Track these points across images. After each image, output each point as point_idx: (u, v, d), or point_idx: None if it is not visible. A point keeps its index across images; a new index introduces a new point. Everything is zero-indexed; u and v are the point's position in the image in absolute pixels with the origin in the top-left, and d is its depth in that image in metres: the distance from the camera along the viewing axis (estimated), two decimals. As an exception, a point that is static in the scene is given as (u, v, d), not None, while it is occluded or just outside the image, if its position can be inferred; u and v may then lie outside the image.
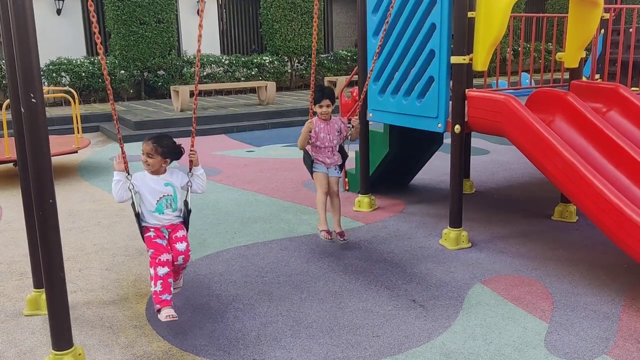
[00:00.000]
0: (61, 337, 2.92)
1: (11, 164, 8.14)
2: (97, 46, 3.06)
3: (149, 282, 3.46)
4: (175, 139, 3.62)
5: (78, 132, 8.33)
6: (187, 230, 3.62)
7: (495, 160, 8.26)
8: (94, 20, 2.91)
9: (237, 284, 4.11)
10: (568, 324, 3.41)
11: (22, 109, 2.72)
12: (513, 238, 4.95)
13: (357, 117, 4.85)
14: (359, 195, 5.98)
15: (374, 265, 4.41)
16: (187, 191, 3.62)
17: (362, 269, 4.35)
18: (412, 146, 6.05)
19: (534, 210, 5.77)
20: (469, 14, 4.37)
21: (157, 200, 3.48)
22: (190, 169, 3.64)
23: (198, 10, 17.18)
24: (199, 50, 3.56)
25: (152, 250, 3.41)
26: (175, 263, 3.45)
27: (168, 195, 3.51)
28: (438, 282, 4.05)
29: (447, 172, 5.01)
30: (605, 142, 4.23)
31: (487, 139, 9.64)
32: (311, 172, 4.74)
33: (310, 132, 4.59)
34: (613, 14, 6.14)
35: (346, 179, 6.68)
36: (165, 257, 3.38)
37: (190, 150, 3.62)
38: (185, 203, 3.60)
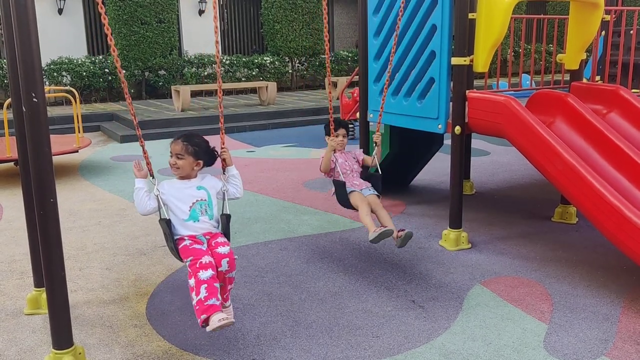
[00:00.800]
0: (61, 336, 2.92)
1: (12, 163, 8.15)
2: (109, 44, 2.89)
3: (190, 295, 2.90)
4: None
5: (79, 132, 8.34)
6: (229, 238, 3.19)
7: (495, 162, 8.27)
8: (105, 22, 2.89)
9: (237, 284, 4.11)
10: (567, 325, 3.41)
11: (23, 108, 2.72)
12: (513, 239, 4.95)
13: (379, 132, 4.69)
14: (359, 195, 5.97)
15: (374, 266, 4.41)
16: (224, 199, 3.23)
17: (362, 269, 4.36)
18: (413, 147, 6.06)
19: (534, 211, 5.77)
20: (470, 15, 4.38)
21: (190, 207, 3.07)
22: (224, 170, 3.31)
23: (200, 11, 17.21)
24: (217, 52, 3.37)
25: (190, 257, 2.94)
26: (219, 269, 2.98)
27: (202, 200, 3.11)
28: (438, 283, 4.06)
29: (447, 173, 5.01)
30: (605, 144, 4.23)
31: (487, 140, 9.64)
32: (347, 201, 4.36)
33: (333, 153, 4.45)
34: (614, 15, 6.14)
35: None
36: (206, 259, 2.92)
37: (222, 148, 3.29)
38: (226, 216, 3.19)
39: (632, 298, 3.76)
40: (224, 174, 3.32)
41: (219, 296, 2.91)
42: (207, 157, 3.20)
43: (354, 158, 4.63)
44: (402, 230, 4.16)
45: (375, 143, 4.59)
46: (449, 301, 3.77)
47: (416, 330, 3.40)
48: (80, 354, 2.99)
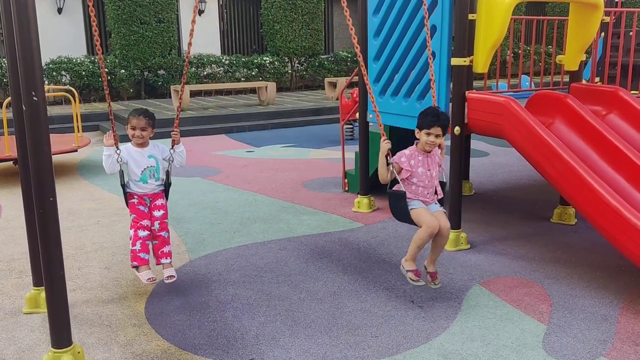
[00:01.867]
0: (60, 335, 2.92)
1: (11, 163, 8.14)
2: (97, 47, 3.27)
3: (128, 241, 3.83)
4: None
5: (78, 131, 8.33)
6: (167, 198, 3.99)
7: (494, 162, 8.27)
8: (94, 24, 2.93)
9: (236, 284, 4.11)
10: (566, 326, 3.41)
11: (23, 107, 2.72)
12: (512, 240, 4.96)
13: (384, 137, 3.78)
14: (359, 195, 5.99)
15: (373, 266, 4.41)
16: (169, 164, 3.96)
17: (361, 269, 4.36)
18: (412, 147, 6.05)
19: (533, 212, 5.78)
20: (470, 16, 4.39)
21: (142, 171, 3.83)
22: (172, 147, 3.94)
23: (199, 11, 17.20)
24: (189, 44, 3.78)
25: (134, 215, 3.83)
26: (152, 228, 3.85)
27: (151, 166, 3.86)
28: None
29: (447, 174, 5.02)
30: (604, 145, 4.24)
31: (486, 141, 9.65)
32: (407, 216, 3.67)
33: (388, 157, 3.65)
34: (613, 17, 6.15)
35: (346, 180, 6.70)
36: (145, 222, 3.82)
37: (173, 131, 3.94)
38: (167, 173, 3.96)
39: (631, 299, 3.76)
40: (172, 148, 3.95)
41: (150, 252, 3.82)
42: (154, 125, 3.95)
43: (438, 165, 3.77)
44: (436, 278, 3.78)
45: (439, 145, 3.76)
46: (448, 301, 3.78)
47: (415, 330, 3.40)
48: (79, 353, 2.99)
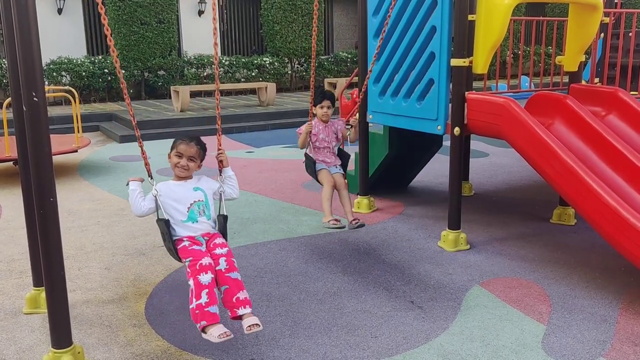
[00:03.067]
0: (61, 335, 2.93)
1: (11, 163, 8.15)
2: (109, 44, 2.91)
3: (189, 299, 2.87)
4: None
5: (78, 132, 8.34)
6: (227, 238, 3.23)
7: (494, 163, 8.28)
8: (105, 22, 2.88)
9: (236, 284, 4.11)
10: (565, 327, 3.42)
11: (24, 108, 2.73)
12: (511, 240, 4.96)
13: (357, 117, 5.03)
14: (358, 196, 5.99)
15: (373, 267, 4.42)
16: (221, 199, 3.25)
17: (361, 270, 4.36)
18: (412, 148, 6.06)
19: (533, 213, 5.78)
20: (470, 17, 4.39)
21: (188, 208, 3.10)
22: (220, 172, 3.33)
23: (199, 12, 17.21)
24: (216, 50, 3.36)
25: (190, 257, 2.94)
26: (217, 268, 2.96)
27: (200, 200, 3.14)
28: (436, 284, 4.07)
29: (446, 174, 5.02)
30: (604, 146, 4.25)
31: (486, 142, 9.66)
32: (315, 176, 4.86)
33: (309, 132, 4.77)
34: (613, 18, 6.15)
35: (346, 180, 6.69)
36: (206, 260, 2.90)
37: (218, 150, 3.33)
38: (223, 217, 3.23)
39: (630, 299, 3.77)
40: (220, 175, 3.34)
41: (218, 302, 2.90)
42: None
43: (334, 133, 4.89)
44: (357, 220, 4.69)
45: (352, 126, 4.95)
46: (447, 302, 3.78)
47: (415, 330, 3.41)
48: (79, 353, 3.00)
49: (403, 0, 5.03)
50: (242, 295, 2.95)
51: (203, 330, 2.80)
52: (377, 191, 6.29)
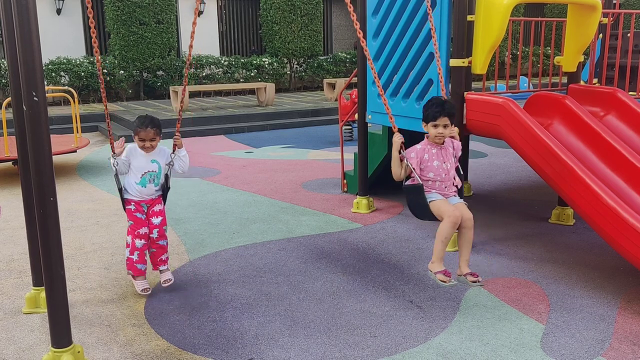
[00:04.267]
0: (60, 334, 2.93)
1: (10, 163, 8.14)
2: (94, 50, 3.29)
3: (125, 247, 3.91)
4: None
5: (77, 132, 8.34)
6: (165, 203, 3.98)
7: (493, 163, 8.29)
8: (92, 25, 2.95)
9: (236, 284, 4.12)
10: (564, 326, 3.43)
11: (24, 107, 2.73)
12: (510, 240, 4.97)
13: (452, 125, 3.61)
14: (357, 196, 6.00)
15: (372, 266, 4.43)
16: (169, 168, 3.92)
17: (360, 269, 4.37)
18: (411, 148, 6.06)
19: (532, 213, 5.79)
20: (469, 18, 4.40)
21: (142, 175, 3.81)
22: (174, 151, 3.90)
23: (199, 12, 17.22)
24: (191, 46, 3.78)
25: (131, 222, 3.82)
26: (150, 236, 3.84)
27: (152, 171, 3.84)
28: (435, 284, 4.06)
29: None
30: (602, 146, 4.26)
31: (485, 142, 9.67)
32: (426, 210, 3.55)
33: (402, 151, 3.53)
34: (611, 18, 6.17)
35: (345, 181, 6.72)
36: (143, 230, 3.80)
37: (175, 135, 3.88)
38: (166, 177, 3.92)
39: (629, 299, 3.78)
40: (173, 152, 3.90)
41: (147, 262, 3.87)
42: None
43: (454, 156, 3.63)
44: (476, 276, 3.54)
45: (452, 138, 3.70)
46: (446, 301, 3.79)
47: (414, 330, 3.41)
48: (79, 352, 3.00)
49: (402, 1, 5.04)
50: (164, 256, 3.96)
51: (132, 277, 3.88)
52: (376, 191, 6.30)
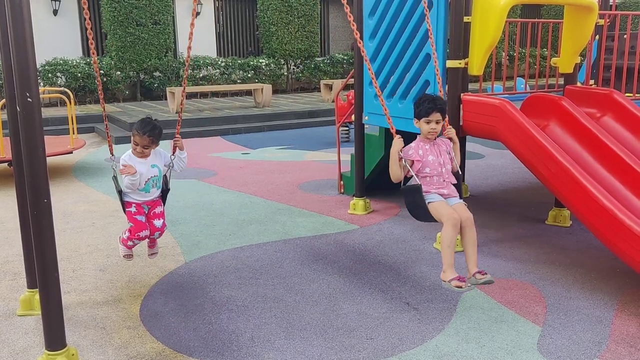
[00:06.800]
0: (54, 337, 2.91)
1: (5, 164, 8.11)
2: (91, 50, 3.24)
3: (122, 233, 3.88)
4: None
5: (73, 133, 8.32)
6: (164, 203, 3.95)
7: (489, 165, 8.29)
8: (88, 27, 2.94)
9: (231, 286, 4.11)
10: (561, 328, 3.42)
11: (17, 108, 2.71)
12: (507, 242, 4.97)
13: (449, 126, 3.76)
14: (354, 198, 5.99)
15: (368, 268, 4.41)
16: (169, 169, 3.88)
17: (357, 271, 4.36)
18: (408, 150, 6.06)
19: (528, 214, 5.79)
20: (465, 19, 4.40)
21: (146, 182, 3.74)
22: (174, 153, 3.88)
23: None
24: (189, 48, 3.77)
25: (132, 224, 3.77)
26: (151, 236, 3.87)
27: (154, 176, 3.78)
28: (432, 285, 4.06)
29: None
30: (599, 147, 4.25)
31: (481, 143, 9.67)
32: (424, 212, 3.56)
33: (400, 152, 3.55)
34: (608, 20, 6.17)
35: (341, 182, 6.70)
36: (144, 233, 3.78)
37: (175, 137, 3.86)
38: (165, 179, 3.89)
39: (626, 300, 3.77)
40: (173, 154, 3.87)
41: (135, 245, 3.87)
42: (160, 138, 3.82)
43: (447, 153, 3.64)
44: (484, 273, 3.47)
45: (451, 139, 3.70)
46: (443, 303, 3.78)
47: (410, 332, 3.40)
48: (73, 355, 2.98)
49: (399, 2, 5.03)
50: (157, 242, 4.09)
51: (122, 244, 3.88)
52: (373, 193, 6.29)
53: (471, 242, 3.55)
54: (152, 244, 4.07)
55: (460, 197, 3.67)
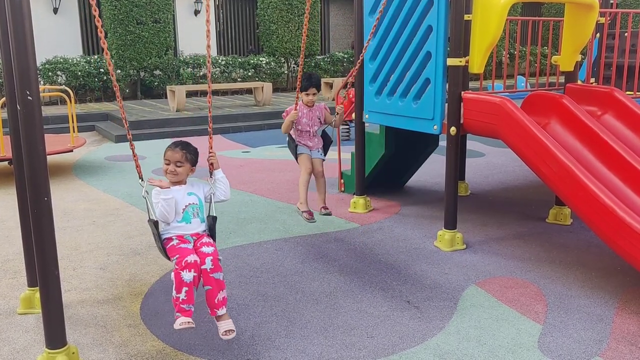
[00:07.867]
0: (55, 335, 2.91)
1: (6, 163, 8.11)
2: (102, 47, 3.00)
3: (172, 288, 3.04)
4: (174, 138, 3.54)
5: (73, 131, 8.32)
6: (215, 240, 3.27)
7: (490, 163, 8.29)
8: (99, 24, 2.92)
9: (232, 284, 4.10)
10: (562, 326, 3.42)
11: (18, 106, 2.71)
12: (508, 240, 4.96)
13: (342, 104, 5.26)
14: (355, 196, 5.98)
15: (369, 267, 4.41)
16: (211, 201, 3.32)
17: (357, 270, 4.35)
18: (408, 148, 6.06)
19: (529, 212, 5.78)
20: (466, 17, 4.39)
21: (183, 209, 3.19)
22: (211, 174, 3.36)
23: (195, 11, 17.18)
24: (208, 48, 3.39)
25: (177, 255, 3.06)
26: (202, 267, 3.04)
27: (194, 204, 3.24)
28: (432, 284, 4.06)
29: (443, 174, 5.02)
30: (599, 146, 4.25)
31: (482, 142, 9.66)
32: (296, 156, 5.12)
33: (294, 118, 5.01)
34: (609, 18, 6.16)
35: (342, 180, 6.70)
36: (191, 258, 3.01)
37: (210, 152, 3.36)
38: (213, 218, 3.29)
39: (626, 299, 3.77)
40: (210, 177, 3.38)
41: (194, 301, 3.04)
42: (196, 162, 3.35)
43: (318, 117, 5.10)
44: (326, 207, 5.18)
45: (337, 113, 5.14)
46: (443, 302, 3.78)
47: (411, 330, 3.40)
48: (73, 353, 2.98)
49: (399, 0, 5.02)
50: (221, 295, 3.09)
51: (176, 310, 3.03)
52: (374, 191, 6.29)
53: (321, 186, 5.15)
54: (217, 302, 3.07)
55: (325, 154, 5.17)
